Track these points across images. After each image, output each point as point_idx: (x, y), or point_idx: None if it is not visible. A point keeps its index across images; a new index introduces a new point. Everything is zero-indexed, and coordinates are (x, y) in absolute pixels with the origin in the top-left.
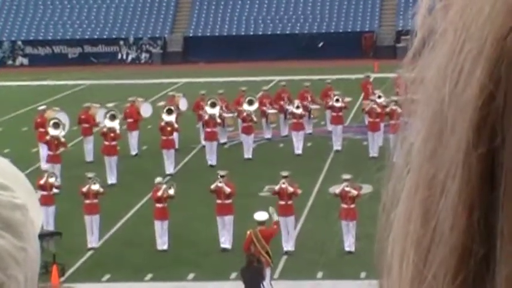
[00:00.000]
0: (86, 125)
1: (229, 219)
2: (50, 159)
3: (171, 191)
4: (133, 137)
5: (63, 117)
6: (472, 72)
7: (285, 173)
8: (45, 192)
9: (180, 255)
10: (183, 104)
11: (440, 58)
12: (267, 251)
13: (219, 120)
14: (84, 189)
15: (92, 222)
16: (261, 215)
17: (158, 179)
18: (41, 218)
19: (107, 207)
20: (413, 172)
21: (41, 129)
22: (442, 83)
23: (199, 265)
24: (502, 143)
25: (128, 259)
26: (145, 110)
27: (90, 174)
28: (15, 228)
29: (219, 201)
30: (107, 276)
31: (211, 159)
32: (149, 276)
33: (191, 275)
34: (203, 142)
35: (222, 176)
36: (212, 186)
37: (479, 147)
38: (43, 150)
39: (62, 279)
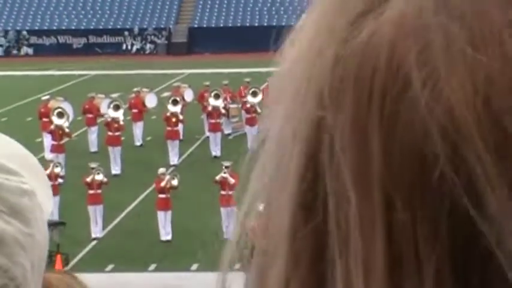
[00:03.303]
0: (90, 115)
1: (233, 210)
2: (54, 149)
3: (175, 182)
4: (138, 128)
5: (67, 107)
6: (291, 154)
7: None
8: (50, 182)
9: (184, 245)
10: (188, 95)
11: (278, 119)
12: None
13: (223, 111)
14: (88, 179)
15: (96, 212)
16: None
17: (161, 170)
18: (51, 204)
19: (111, 198)
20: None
21: (45, 119)
22: (276, 149)
23: (202, 256)
24: (324, 225)
25: (131, 249)
26: (150, 101)
27: (93, 165)
28: (23, 214)
29: (223, 192)
30: (111, 266)
31: (216, 150)
32: (153, 266)
33: (195, 266)
34: (207, 133)
35: (226, 167)
36: (217, 177)
37: (301, 229)
38: (47, 140)
39: (66, 268)
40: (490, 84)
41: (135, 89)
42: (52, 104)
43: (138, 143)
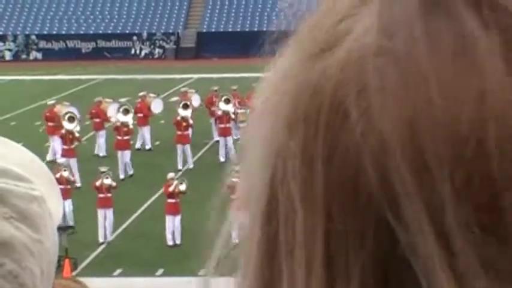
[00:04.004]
0: (97, 120)
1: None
2: (65, 153)
3: (182, 187)
4: (144, 132)
5: (74, 111)
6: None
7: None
8: (61, 186)
9: (192, 250)
10: (195, 100)
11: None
12: None
13: (233, 116)
14: (97, 183)
15: (105, 216)
16: None
17: (170, 175)
18: (60, 210)
19: (119, 202)
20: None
21: (50, 123)
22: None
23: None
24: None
25: (139, 254)
26: (156, 106)
27: (103, 169)
28: (32, 220)
29: (233, 196)
30: (119, 271)
31: (223, 155)
32: (160, 271)
33: (203, 271)
34: (217, 138)
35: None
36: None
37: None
38: (53, 144)
39: (74, 273)
40: (416, 118)
41: (141, 94)
42: (58, 108)
43: (147, 147)
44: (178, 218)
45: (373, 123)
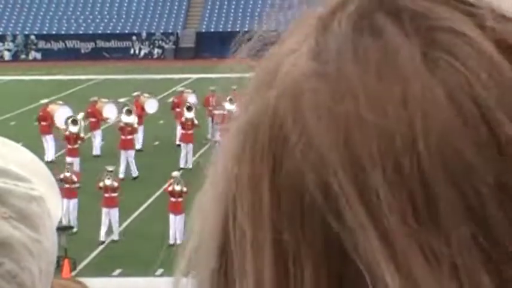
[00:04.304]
0: (93, 119)
1: None
2: (69, 153)
3: (177, 187)
4: (138, 132)
5: (67, 112)
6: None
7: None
8: (67, 186)
9: None
10: (192, 100)
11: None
12: None
13: None
14: (101, 183)
15: (108, 215)
16: None
17: (175, 173)
18: (60, 210)
19: (119, 202)
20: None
21: (43, 123)
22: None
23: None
24: None
25: (139, 254)
26: (150, 106)
27: (110, 168)
28: (31, 220)
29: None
30: (118, 271)
31: None
32: (160, 271)
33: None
34: (217, 137)
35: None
36: None
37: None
38: (46, 144)
39: (74, 273)
40: (349, 129)
41: (135, 94)
42: (51, 108)
43: (137, 147)
44: (179, 217)
45: (310, 140)
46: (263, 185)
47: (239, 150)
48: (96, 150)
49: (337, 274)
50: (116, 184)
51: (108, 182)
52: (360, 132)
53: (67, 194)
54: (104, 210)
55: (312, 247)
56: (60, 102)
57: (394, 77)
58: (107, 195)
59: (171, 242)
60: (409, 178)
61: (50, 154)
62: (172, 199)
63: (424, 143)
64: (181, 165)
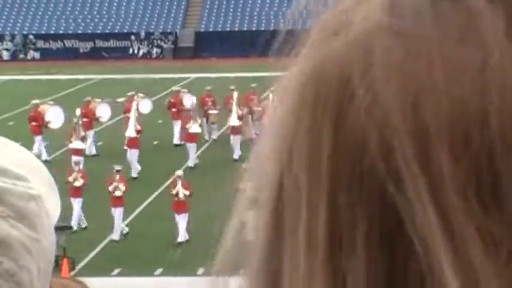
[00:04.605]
0: (86, 119)
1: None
2: (75, 153)
3: (175, 190)
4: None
5: (58, 112)
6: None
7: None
8: (78, 184)
9: (191, 249)
10: (188, 100)
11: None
12: None
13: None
14: (111, 188)
15: (114, 214)
16: None
17: (178, 172)
18: (58, 209)
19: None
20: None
21: (33, 123)
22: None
23: (210, 260)
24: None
25: (138, 253)
26: (144, 106)
27: (118, 167)
28: (29, 219)
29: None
30: (117, 271)
31: (236, 154)
32: (159, 271)
33: (201, 270)
34: (211, 136)
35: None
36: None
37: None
38: (38, 144)
39: (72, 273)
40: (419, 93)
41: (129, 93)
42: (43, 108)
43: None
44: (181, 216)
45: (377, 97)
46: (324, 139)
47: (299, 100)
48: (91, 150)
49: (390, 243)
50: (120, 186)
51: (115, 183)
52: (431, 98)
53: (75, 193)
54: (113, 210)
55: (367, 212)
56: (51, 102)
57: (474, 44)
58: (113, 194)
59: (180, 240)
60: (476, 152)
61: (44, 154)
62: (175, 198)
63: (498, 117)
64: (190, 164)
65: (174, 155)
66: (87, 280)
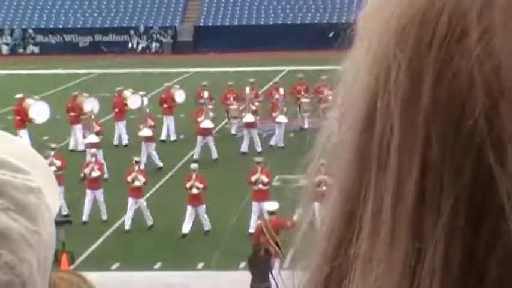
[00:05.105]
0: (73, 114)
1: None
2: (92, 145)
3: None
4: (119, 128)
5: (43, 106)
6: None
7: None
8: (95, 175)
9: (190, 244)
10: (180, 96)
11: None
12: (276, 241)
13: (254, 108)
14: (129, 178)
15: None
16: (271, 205)
17: (193, 165)
18: (58, 202)
19: (118, 196)
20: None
21: (17, 117)
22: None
23: (209, 254)
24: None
25: (136, 248)
26: (133, 102)
27: (137, 158)
28: (29, 212)
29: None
30: (116, 265)
31: (245, 148)
32: (158, 265)
33: (200, 265)
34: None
35: (258, 163)
36: (253, 178)
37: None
38: (22, 136)
39: (71, 267)
40: None
41: (118, 89)
42: (26, 103)
43: (115, 143)
44: (199, 208)
45: (491, 46)
46: (425, 76)
47: (402, 25)
48: (79, 146)
49: (477, 217)
50: (142, 179)
51: (134, 175)
52: None
53: (91, 185)
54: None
55: (460, 175)
56: (36, 96)
57: None
58: (132, 186)
59: (206, 229)
60: None
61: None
62: (189, 191)
63: None
64: (213, 156)
65: (175, 149)
66: (86, 274)
